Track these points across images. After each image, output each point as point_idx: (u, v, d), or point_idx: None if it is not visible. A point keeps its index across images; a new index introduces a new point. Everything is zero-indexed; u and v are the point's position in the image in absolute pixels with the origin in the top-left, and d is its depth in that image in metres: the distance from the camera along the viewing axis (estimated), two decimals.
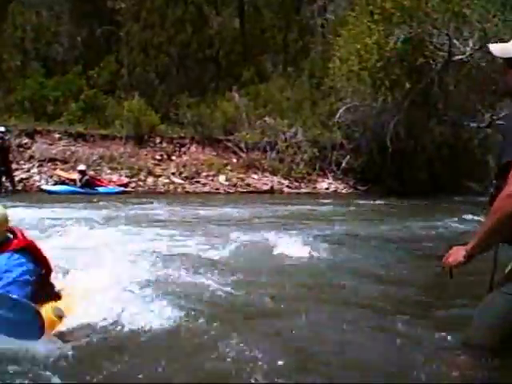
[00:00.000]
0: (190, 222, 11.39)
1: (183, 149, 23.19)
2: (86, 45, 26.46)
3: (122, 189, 19.75)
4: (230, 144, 23.46)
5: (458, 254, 3.15)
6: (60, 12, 27.24)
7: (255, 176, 22.52)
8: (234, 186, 21.87)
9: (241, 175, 22.36)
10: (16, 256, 3.91)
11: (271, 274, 6.20)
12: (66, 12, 27.40)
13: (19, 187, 19.10)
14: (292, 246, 7.53)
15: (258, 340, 3.88)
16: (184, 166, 22.18)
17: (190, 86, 24.93)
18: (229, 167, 22.76)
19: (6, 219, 4.04)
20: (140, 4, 26.03)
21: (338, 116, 23.11)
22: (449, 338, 3.78)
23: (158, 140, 23.04)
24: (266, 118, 23.79)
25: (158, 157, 22.43)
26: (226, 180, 22.04)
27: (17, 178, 19.28)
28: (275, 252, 7.43)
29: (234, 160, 23.20)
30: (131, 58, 25.60)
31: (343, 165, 23.29)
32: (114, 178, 20.78)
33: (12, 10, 26.03)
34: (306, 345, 3.92)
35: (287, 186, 22.35)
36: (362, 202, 18.29)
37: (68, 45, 26.57)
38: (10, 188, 18.67)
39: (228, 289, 5.31)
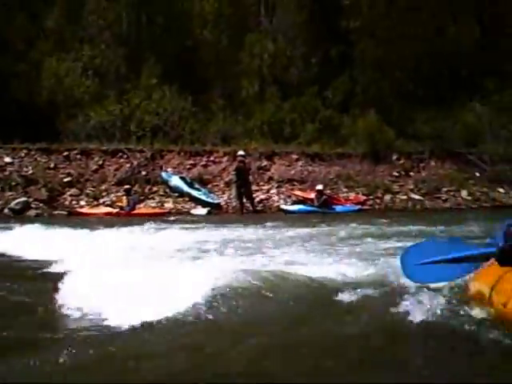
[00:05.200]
0: None
1: (422, 164, 22.31)
2: (321, 66, 26.64)
3: (359, 207, 19.45)
4: (471, 157, 22.01)
5: None
6: (294, 37, 27.72)
7: (501, 190, 20.84)
8: (477, 200, 20.46)
9: (484, 189, 20.84)
10: None
11: None
12: (300, 36, 27.83)
13: (259, 207, 19.64)
14: None
15: None
16: (423, 182, 21.29)
17: (425, 98, 23.89)
18: (471, 181, 21.35)
19: None
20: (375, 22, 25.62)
21: None
22: None
23: (394, 156, 22.39)
24: None
25: (395, 173, 21.78)
26: (469, 195, 20.67)
27: (257, 199, 19.86)
28: None
29: (477, 174, 21.71)
30: (365, 75, 25.35)
31: None
32: (351, 196, 20.54)
33: (250, 40, 27.23)
34: None
35: None
36: None
37: (303, 67, 26.99)
38: (251, 208, 19.28)
39: None
